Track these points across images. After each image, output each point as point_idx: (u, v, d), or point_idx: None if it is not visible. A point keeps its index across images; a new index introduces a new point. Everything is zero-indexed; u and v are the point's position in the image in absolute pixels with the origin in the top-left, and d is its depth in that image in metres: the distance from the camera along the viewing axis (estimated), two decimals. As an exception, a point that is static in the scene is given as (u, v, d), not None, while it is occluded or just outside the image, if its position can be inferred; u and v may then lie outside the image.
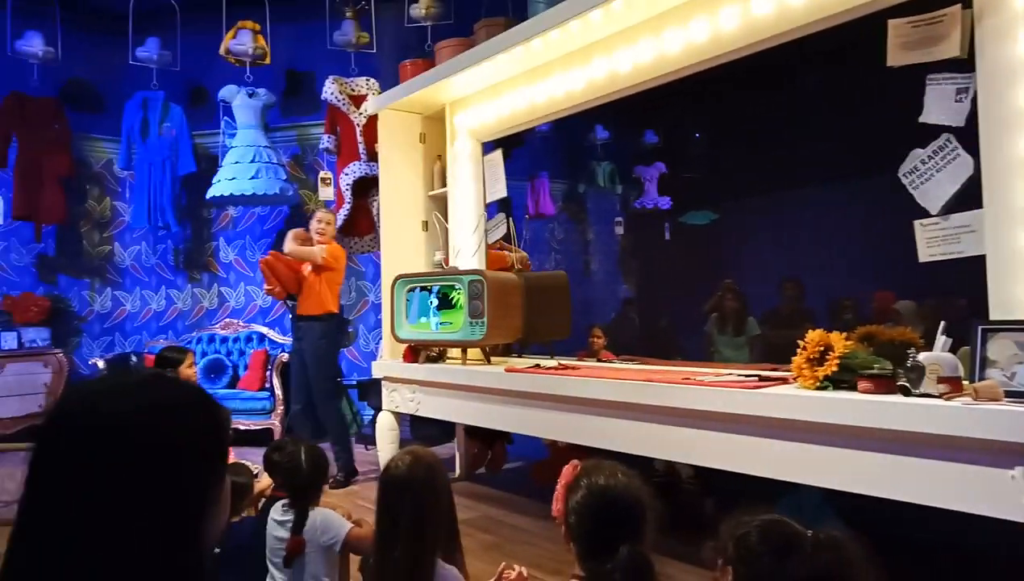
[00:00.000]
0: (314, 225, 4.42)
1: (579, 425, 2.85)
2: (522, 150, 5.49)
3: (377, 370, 4.11)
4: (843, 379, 2.16)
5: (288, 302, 4.60)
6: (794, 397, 2.14)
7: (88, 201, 6.44)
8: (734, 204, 5.70)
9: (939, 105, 2.17)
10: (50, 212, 5.85)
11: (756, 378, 2.44)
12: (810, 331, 2.23)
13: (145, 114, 6.07)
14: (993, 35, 2.03)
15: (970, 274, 2.16)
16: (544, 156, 6.85)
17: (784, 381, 2.37)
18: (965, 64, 2.12)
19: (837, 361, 2.14)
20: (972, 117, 2.12)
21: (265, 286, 4.50)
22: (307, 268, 4.40)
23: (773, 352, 4.32)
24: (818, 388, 2.17)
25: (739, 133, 5.28)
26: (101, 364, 5.75)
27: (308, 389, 4.37)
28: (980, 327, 1.97)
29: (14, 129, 5.76)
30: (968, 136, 2.13)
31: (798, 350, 2.24)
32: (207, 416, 0.81)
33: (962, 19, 2.11)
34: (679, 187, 6.46)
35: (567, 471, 1.49)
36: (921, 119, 2.22)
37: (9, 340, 5.73)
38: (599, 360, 3.56)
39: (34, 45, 5.72)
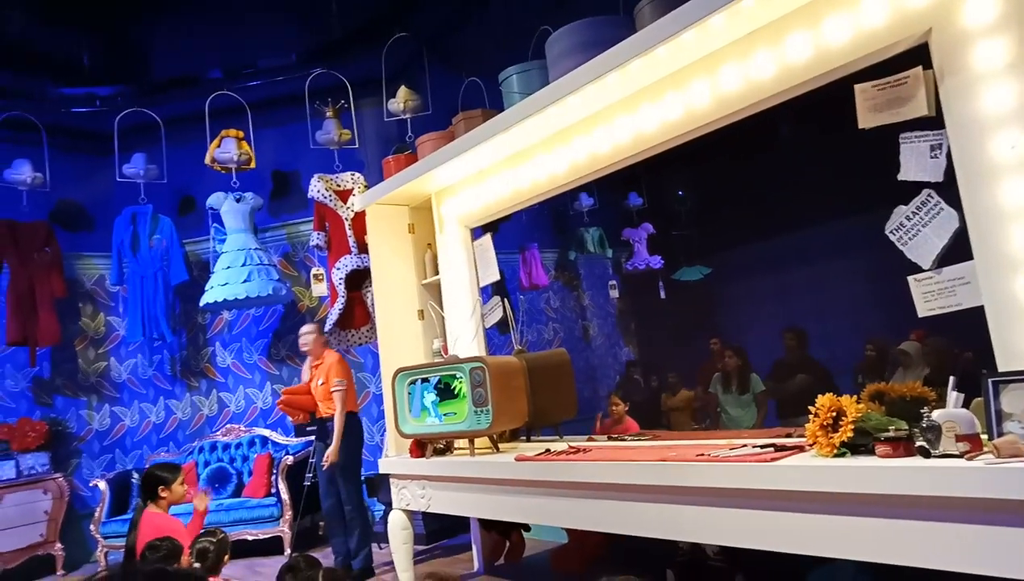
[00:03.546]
0: (305, 342, 4.71)
1: (595, 511, 2.78)
2: (510, 224, 5.56)
3: (384, 466, 4.03)
4: (860, 443, 2.12)
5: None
6: (812, 468, 2.09)
7: (82, 319, 6.44)
8: (726, 257, 5.74)
9: (916, 162, 2.20)
10: (45, 335, 5.84)
11: (772, 448, 2.39)
12: (819, 397, 2.20)
13: (135, 228, 6.14)
14: (956, 93, 2.08)
15: (969, 317, 2.15)
16: (532, 227, 6.92)
17: (800, 449, 2.32)
18: (936, 121, 2.16)
19: (851, 426, 2.11)
20: (950, 171, 2.15)
21: (291, 420, 4.67)
22: (320, 381, 4.55)
23: (782, 407, 4.28)
24: (836, 455, 2.13)
25: (723, 187, 5.36)
26: (103, 485, 5.62)
27: (336, 486, 4.48)
28: (991, 380, 1.95)
29: (5, 256, 5.81)
30: (949, 189, 2.16)
31: (810, 417, 2.21)
32: None
33: (925, 79, 2.16)
34: (669, 245, 6.52)
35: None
36: (900, 177, 2.25)
37: (7, 469, 5.62)
38: (609, 437, 3.50)
39: (23, 173, 5.83)
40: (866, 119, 2.30)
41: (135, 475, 5.84)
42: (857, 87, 2.31)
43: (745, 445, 2.54)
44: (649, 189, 6.61)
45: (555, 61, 3.10)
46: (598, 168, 3.29)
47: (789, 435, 2.61)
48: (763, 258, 5.27)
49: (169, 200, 6.41)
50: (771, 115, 2.76)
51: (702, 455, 2.48)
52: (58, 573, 5.59)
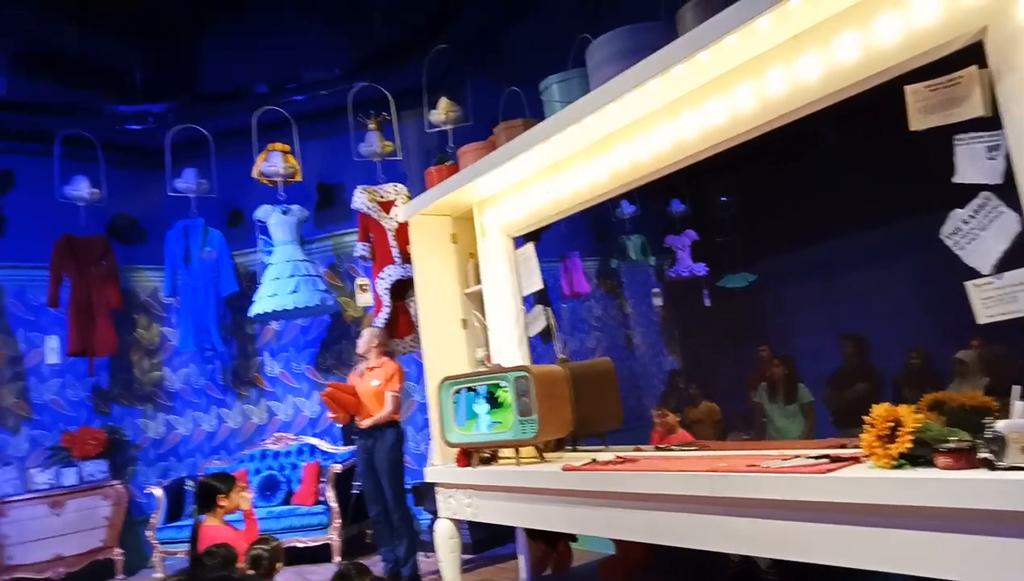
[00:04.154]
0: (363, 345, 4.79)
1: (644, 522, 2.75)
2: (550, 233, 5.56)
3: (430, 475, 4.06)
4: (919, 454, 2.06)
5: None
6: (870, 480, 2.03)
7: (137, 330, 6.65)
8: (772, 263, 5.63)
9: (972, 164, 2.13)
10: (103, 345, 6.04)
11: (826, 459, 2.33)
12: (875, 406, 2.14)
13: (186, 241, 6.32)
14: (1015, 92, 2.01)
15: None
16: (573, 235, 6.90)
17: (856, 460, 2.26)
18: (992, 121, 2.09)
19: (910, 437, 2.04)
20: (1007, 172, 2.08)
21: (329, 415, 4.71)
22: (374, 382, 4.57)
23: (839, 417, 4.16)
24: (893, 467, 2.06)
25: (768, 192, 5.26)
26: (158, 492, 5.78)
27: (382, 494, 4.54)
28: (1058, 389, 1.87)
29: (66, 270, 6.04)
30: (1008, 192, 2.08)
31: (865, 427, 2.15)
32: None
33: (980, 79, 2.09)
34: (713, 252, 6.43)
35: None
36: (955, 179, 2.18)
37: (70, 476, 5.83)
38: (657, 447, 3.46)
39: (80, 188, 6.06)
40: (917, 121, 2.23)
41: (189, 482, 5.99)
42: (908, 88, 2.25)
43: (798, 456, 2.49)
44: (692, 195, 6.54)
45: (596, 69, 3.10)
46: (640, 175, 3.27)
47: (843, 446, 2.55)
48: (811, 265, 5.16)
49: (219, 213, 6.58)
50: (817, 118, 2.71)
51: (753, 466, 2.43)
52: (118, 577, 5.75)
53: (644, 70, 2.70)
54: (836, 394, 4.16)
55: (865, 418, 2.15)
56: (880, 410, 2.13)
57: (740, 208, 6.12)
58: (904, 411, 2.09)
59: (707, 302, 6.35)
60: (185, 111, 6.32)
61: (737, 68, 2.70)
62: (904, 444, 2.04)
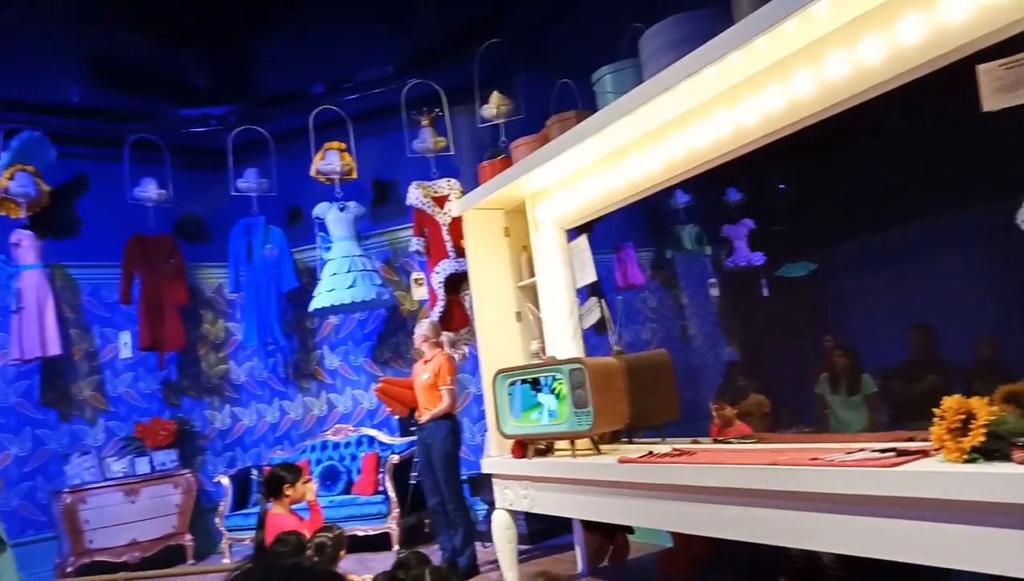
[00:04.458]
0: (417, 339, 4.81)
1: (702, 515, 2.72)
2: (603, 224, 5.53)
3: (486, 466, 4.10)
4: (993, 448, 1.98)
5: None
6: (941, 474, 1.97)
7: (203, 325, 6.90)
8: (833, 251, 5.47)
9: (1051, 145, 2.04)
10: (172, 340, 6.29)
11: (893, 453, 2.27)
12: (945, 398, 2.08)
13: (249, 239, 6.52)
14: (1099, 68, 1.91)
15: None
16: (627, 226, 6.85)
17: (924, 454, 2.20)
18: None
19: (984, 430, 1.97)
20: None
21: (387, 410, 4.79)
22: (424, 375, 4.60)
23: (905, 409, 4.03)
24: (966, 461, 2.00)
25: (828, 179, 5.11)
26: (225, 481, 6.00)
27: (439, 486, 4.61)
28: None
29: (136, 268, 6.31)
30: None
31: (935, 419, 2.09)
32: None
33: (1060, 55, 2.00)
34: (771, 240, 6.29)
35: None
36: (1032, 161, 2.09)
37: (143, 465, 6.11)
38: (715, 439, 3.42)
39: (149, 190, 6.32)
40: (991, 101, 2.15)
41: (254, 472, 6.20)
42: (980, 68, 2.16)
43: (862, 449, 2.43)
44: (748, 184, 6.41)
45: (649, 58, 3.07)
46: (696, 164, 3.23)
47: (911, 439, 2.48)
48: (874, 252, 4.99)
49: (279, 211, 6.77)
50: (879, 102, 2.62)
51: (815, 459, 2.39)
52: (189, 562, 6.01)
53: (700, 58, 2.66)
54: (902, 386, 4.03)
55: (935, 410, 2.09)
56: (951, 402, 2.06)
57: (799, 195, 5.96)
58: (977, 403, 2.02)
59: (765, 292, 6.23)
60: (246, 113, 6.51)
61: (795, 53, 2.64)
62: (977, 437, 1.98)
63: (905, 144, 4.28)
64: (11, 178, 5.68)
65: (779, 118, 2.78)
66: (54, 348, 5.70)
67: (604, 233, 5.82)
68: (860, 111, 2.64)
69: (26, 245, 5.77)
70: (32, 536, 5.75)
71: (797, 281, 5.87)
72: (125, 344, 6.32)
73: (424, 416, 4.64)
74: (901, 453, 2.26)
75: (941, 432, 2.06)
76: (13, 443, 5.86)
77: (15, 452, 5.86)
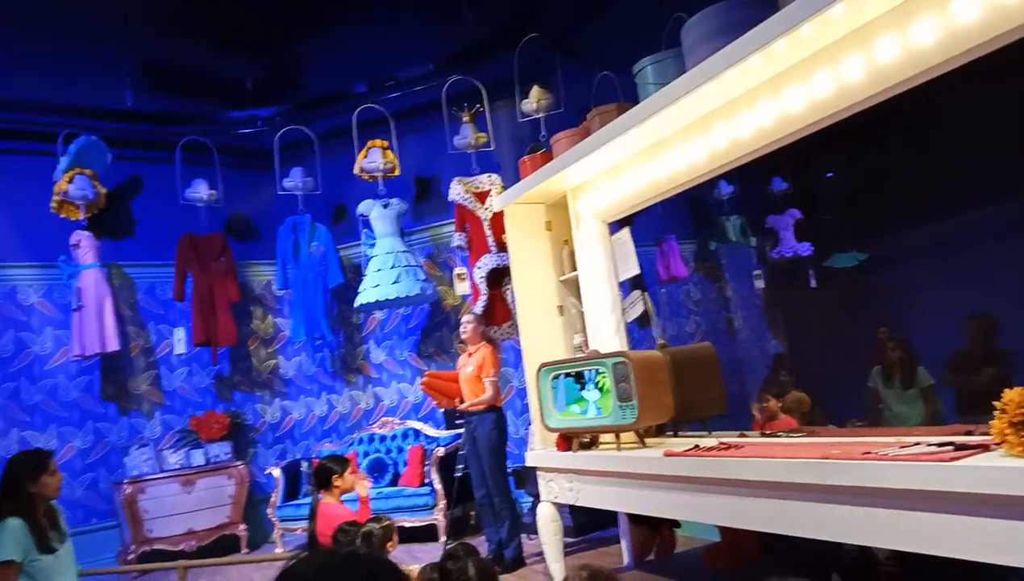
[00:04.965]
0: (468, 327, 4.86)
1: (750, 509, 2.70)
2: (645, 217, 5.48)
3: (531, 459, 4.13)
4: (1056, 442, 1.92)
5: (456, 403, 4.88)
6: (1002, 469, 1.91)
7: (253, 321, 7.08)
8: (884, 241, 5.32)
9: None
10: (224, 336, 6.47)
11: (951, 447, 2.21)
12: (1007, 391, 2.01)
13: (295, 236, 6.66)
14: None
15: None
16: (669, 218, 6.77)
17: (984, 448, 2.13)
18: None
19: (1047, 424, 1.91)
20: None
21: (434, 403, 4.85)
22: (468, 368, 4.64)
23: (963, 403, 3.91)
24: (1027, 455, 1.94)
25: (879, 166, 4.97)
26: (276, 473, 6.16)
27: (485, 478, 4.66)
28: None
29: (189, 266, 6.50)
30: None
31: (996, 412, 2.03)
32: None
33: None
34: (819, 230, 6.14)
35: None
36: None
37: (198, 457, 6.30)
38: (763, 433, 3.37)
39: (200, 191, 6.50)
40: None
41: (304, 464, 6.35)
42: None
43: (918, 443, 2.37)
44: (795, 173, 6.27)
45: (692, 48, 3.03)
46: (740, 154, 3.19)
47: (969, 433, 2.41)
48: (928, 241, 4.83)
49: (324, 209, 6.90)
50: (934, 85, 2.54)
51: (868, 453, 2.34)
52: (243, 551, 6.18)
53: (744, 46, 2.62)
54: (959, 378, 3.90)
55: (996, 403, 2.03)
56: (1014, 395, 1.99)
57: (847, 184, 5.81)
58: (1039, 396, 1.96)
59: (812, 283, 6.09)
60: (291, 114, 6.65)
61: (845, 38, 2.58)
62: (1040, 431, 1.91)
63: (961, 127, 4.12)
64: (71, 182, 5.91)
65: (827, 105, 2.72)
66: (113, 344, 5.91)
67: (646, 226, 5.76)
68: (912, 95, 2.56)
69: (85, 245, 6.00)
70: (96, 524, 5.99)
71: (846, 272, 5.72)
72: (179, 340, 6.52)
73: (466, 404, 4.68)
74: (959, 447, 2.20)
75: (1002, 426, 2.00)
76: (76, 436, 6.11)
77: (78, 445, 6.11)
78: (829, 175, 6.08)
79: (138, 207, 6.68)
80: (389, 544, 3.06)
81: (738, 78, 2.85)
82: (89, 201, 6.02)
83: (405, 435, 6.29)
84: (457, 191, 5.68)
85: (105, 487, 6.13)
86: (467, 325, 4.85)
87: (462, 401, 4.75)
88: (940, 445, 2.26)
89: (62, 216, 6.03)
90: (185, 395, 6.64)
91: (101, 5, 5.90)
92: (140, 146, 6.73)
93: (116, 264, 6.44)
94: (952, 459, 2.07)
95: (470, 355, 4.80)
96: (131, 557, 5.68)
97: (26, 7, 5.81)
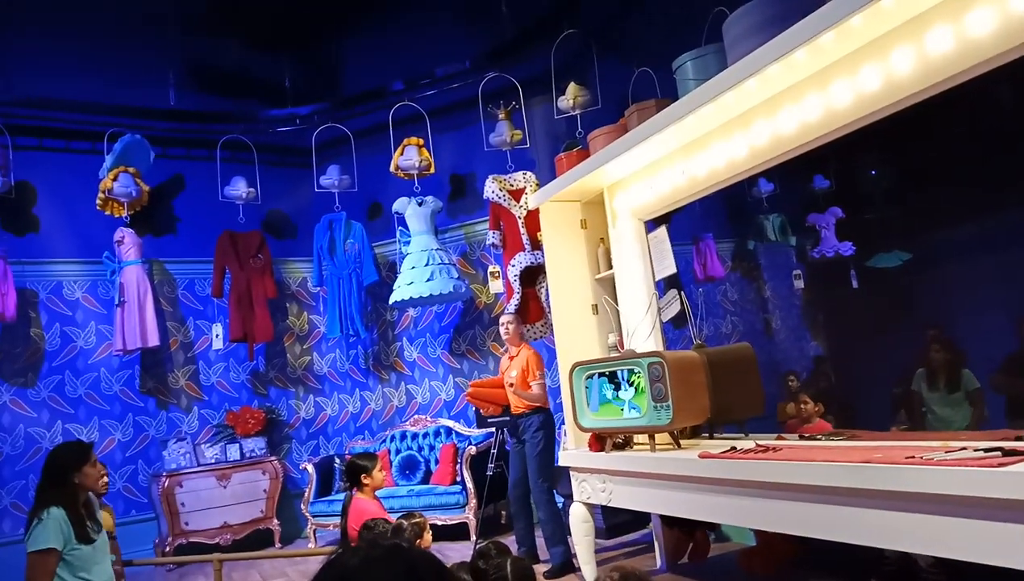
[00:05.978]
0: (502, 331, 4.85)
1: (787, 513, 2.63)
2: (681, 215, 5.41)
3: (564, 459, 4.10)
4: (1116, 450, 1.83)
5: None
6: (1055, 477, 1.84)
7: (289, 318, 7.16)
8: (929, 240, 5.16)
9: None
10: (260, 332, 6.56)
11: (998, 452, 2.13)
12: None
13: (331, 234, 6.72)
14: None
15: None
16: (706, 217, 6.66)
17: (1035, 455, 2.05)
18: None
19: (1104, 430, 1.82)
20: None
21: (483, 412, 4.84)
22: (512, 373, 4.65)
23: (1013, 407, 3.77)
24: (1084, 463, 1.85)
25: (925, 164, 4.82)
26: (310, 469, 6.22)
27: (526, 478, 4.62)
28: None
29: (228, 263, 6.60)
30: None
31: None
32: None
33: None
34: (861, 229, 5.99)
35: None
36: None
37: (234, 451, 6.39)
38: (801, 436, 3.30)
39: (239, 188, 6.59)
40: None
41: (337, 460, 6.40)
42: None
43: (964, 448, 2.29)
44: (837, 170, 6.12)
45: (734, 43, 2.97)
46: (782, 151, 3.12)
47: (1019, 438, 2.32)
48: (974, 240, 4.67)
49: (359, 207, 6.95)
50: (986, 78, 2.45)
51: (911, 458, 2.27)
52: (276, 546, 6.26)
53: (789, 40, 2.57)
54: (1009, 382, 3.76)
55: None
56: (1068, 400, 1.91)
57: (892, 181, 5.65)
58: (1098, 401, 1.87)
59: (854, 283, 5.95)
60: (328, 112, 6.72)
61: (894, 30, 2.50)
62: (1098, 438, 1.83)
63: (1013, 121, 3.98)
64: (115, 179, 6.04)
65: (874, 100, 2.65)
66: (153, 339, 6.03)
67: (683, 224, 5.69)
68: (963, 89, 2.47)
69: (128, 242, 6.13)
70: (135, 516, 6.12)
71: (889, 272, 5.57)
72: (217, 336, 6.62)
73: (515, 405, 4.66)
74: (1008, 453, 2.12)
75: (1056, 432, 1.92)
76: (117, 429, 6.25)
77: (119, 437, 6.25)
78: (872, 173, 5.93)
79: (179, 204, 6.81)
80: (420, 541, 3.05)
81: (782, 72, 2.79)
82: (132, 198, 6.15)
83: (437, 433, 6.30)
84: (492, 189, 5.67)
85: (144, 480, 6.26)
86: (508, 326, 4.81)
87: (509, 406, 4.72)
88: (987, 450, 2.18)
89: (106, 213, 6.17)
90: (222, 390, 6.75)
91: (145, 7, 6.03)
92: (182, 145, 6.85)
93: (157, 260, 6.58)
94: (1000, 464, 1.99)
95: (512, 358, 4.77)
96: (167, 549, 5.79)
97: (74, 11, 5.96)
